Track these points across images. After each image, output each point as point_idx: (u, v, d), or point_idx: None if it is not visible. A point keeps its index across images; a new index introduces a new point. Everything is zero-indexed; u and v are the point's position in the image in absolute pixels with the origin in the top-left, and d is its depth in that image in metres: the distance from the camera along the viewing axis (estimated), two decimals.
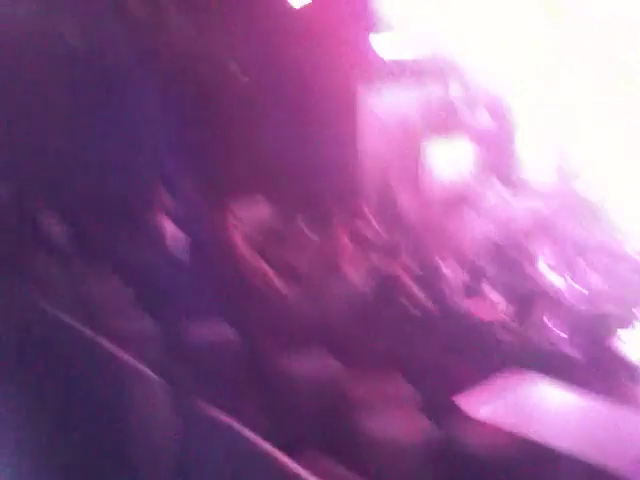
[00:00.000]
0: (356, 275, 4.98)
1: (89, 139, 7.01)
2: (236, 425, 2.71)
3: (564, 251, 6.44)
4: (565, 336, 3.67)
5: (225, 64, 8.68)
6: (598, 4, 7.39)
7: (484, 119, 8.77)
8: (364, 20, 8.50)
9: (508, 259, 6.25)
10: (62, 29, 7.35)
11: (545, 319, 4.38)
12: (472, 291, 5.75)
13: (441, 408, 3.25)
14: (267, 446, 2.51)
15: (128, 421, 3.22)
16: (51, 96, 7.04)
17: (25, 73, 6.82)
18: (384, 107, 8.73)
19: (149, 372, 3.16)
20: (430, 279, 5.17)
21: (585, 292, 5.19)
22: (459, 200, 7.20)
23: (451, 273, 5.72)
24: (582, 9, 7.52)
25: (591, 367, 3.50)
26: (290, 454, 3.04)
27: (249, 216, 7.61)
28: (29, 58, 6.90)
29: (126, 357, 3.30)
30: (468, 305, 5.19)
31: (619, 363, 3.71)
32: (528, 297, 4.49)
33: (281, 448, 3.31)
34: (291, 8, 8.23)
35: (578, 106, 8.28)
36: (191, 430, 2.88)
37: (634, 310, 4.74)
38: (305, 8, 8.25)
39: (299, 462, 2.86)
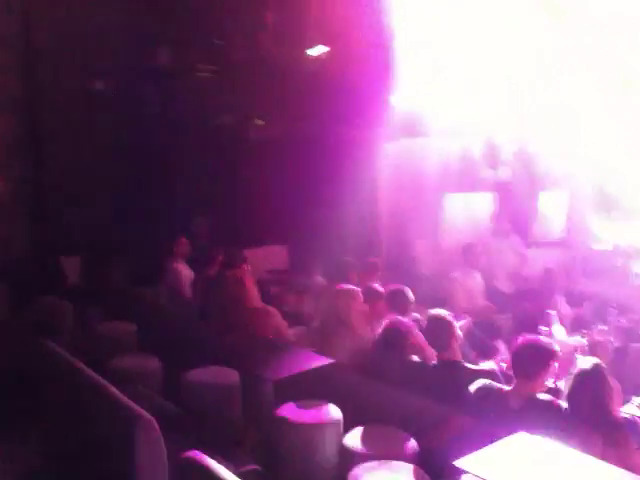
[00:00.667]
0: (367, 329, 4.95)
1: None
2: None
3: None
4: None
5: (248, 119, 8.92)
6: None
7: (504, 173, 8.79)
8: (385, 73, 8.71)
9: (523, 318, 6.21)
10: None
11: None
12: (485, 347, 5.70)
13: (443, 467, 3.19)
14: None
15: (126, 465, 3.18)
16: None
17: None
18: (403, 160, 8.82)
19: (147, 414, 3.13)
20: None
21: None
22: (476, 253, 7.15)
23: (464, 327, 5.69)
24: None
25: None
26: None
27: (267, 266, 7.72)
28: None
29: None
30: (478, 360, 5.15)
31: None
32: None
33: None
34: (312, 62, 8.47)
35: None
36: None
37: None
38: (328, 62, 8.49)
39: None
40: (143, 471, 3.02)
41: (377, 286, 5.59)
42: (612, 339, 5.71)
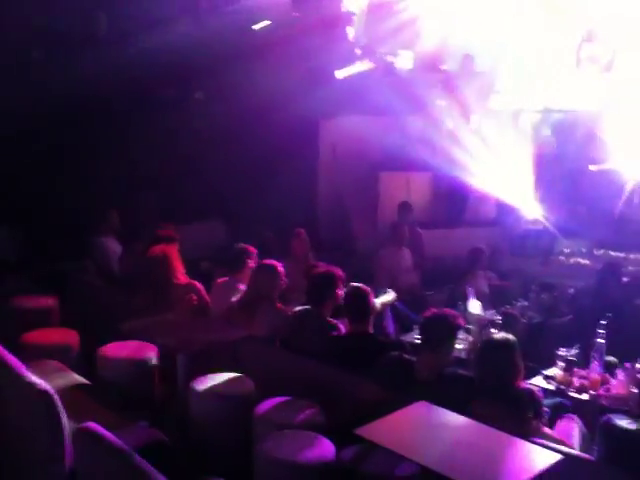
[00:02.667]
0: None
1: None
2: None
3: None
4: None
5: (188, 93, 8.80)
6: None
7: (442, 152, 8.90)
8: (328, 53, 8.70)
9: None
10: None
11: None
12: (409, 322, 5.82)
13: (346, 434, 3.27)
14: None
15: None
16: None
17: None
18: (342, 138, 8.86)
19: None
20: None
21: None
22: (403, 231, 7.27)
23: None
24: None
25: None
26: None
27: (204, 242, 7.68)
28: None
29: None
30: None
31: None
32: None
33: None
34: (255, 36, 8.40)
35: None
36: None
37: None
38: (270, 37, 8.43)
39: None
40: (44, 444, 3.02)
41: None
42: (532, 314, 5.90)
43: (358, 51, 8.52)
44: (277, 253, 6.01)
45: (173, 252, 5.35)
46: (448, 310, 3.99)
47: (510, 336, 3.86)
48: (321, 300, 4.47)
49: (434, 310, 3.94)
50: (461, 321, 3.94)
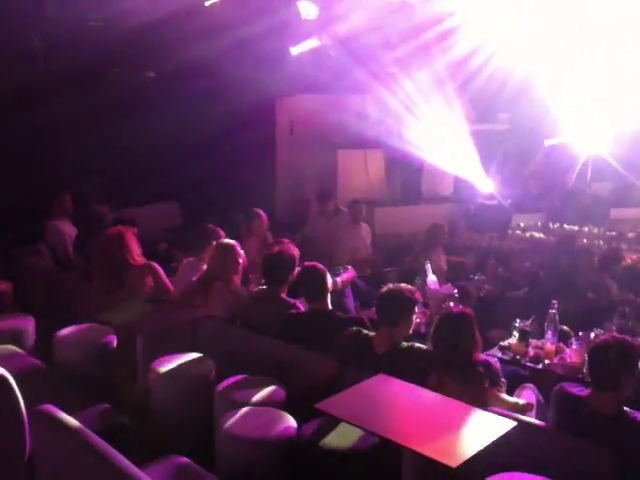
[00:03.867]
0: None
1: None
2: None
3: None
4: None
5: (140, 71, 8.64)
6: None
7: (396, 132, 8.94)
8: (284, 30, 8.62)
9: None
10: None
11: None
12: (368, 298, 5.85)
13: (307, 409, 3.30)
14: None
15: None
16: None
17: None
18: (299, 116, 8.83)
19: None
20: None
21: None
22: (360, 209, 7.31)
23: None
24: None
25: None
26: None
27: (159, 223, 7.60)
28: None
29: None
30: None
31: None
32: None
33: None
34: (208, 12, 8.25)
35: None
36: None
37: None
38: (225, 12, 8.29)
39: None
40: (1, 428, 2.98)
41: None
42: (488, 288, 6.00)
43: (311, 27, 8.44)
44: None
45: (129, 233, 5.27)
46: (404, 285, 4.01)
47: (467, 309, 3.93)
48: (277, 280, 4.47)
49: (390, 285, 3.98)
50: (417, 295, 3.98)
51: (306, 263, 4.46)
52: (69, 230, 6.27)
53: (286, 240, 5.15)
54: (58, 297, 5.36)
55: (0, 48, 7.18)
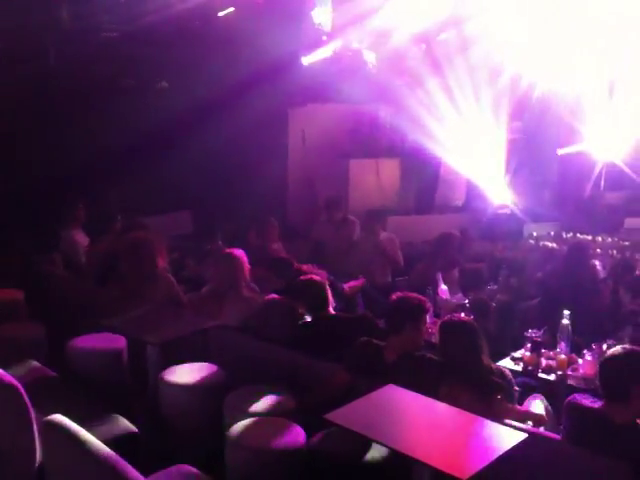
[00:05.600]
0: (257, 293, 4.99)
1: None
2: None
3: None
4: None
5: (153, 82, 8.70)
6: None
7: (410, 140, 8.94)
8: (297, 40, 8.65)
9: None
10: None
11: None
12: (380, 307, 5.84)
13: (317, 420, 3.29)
14: None
15: None
16: None
17: None
18: (312, 126, 8.85)
19: None
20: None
21: None
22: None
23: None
24: None
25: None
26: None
27: (171, 232, 7.62)
28: None
29: None
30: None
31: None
32: None
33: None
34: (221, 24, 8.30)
35: None
36: None
37: None
38: (237, 24, 8.33)
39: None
40: (11, 438, 3.00)
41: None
42: (501, 297, 5.96)
43: (324, 37, 8.47)
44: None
45: (155, 241, 5.26)
46: (412, 294, 4.00)
47: (468, 318, 3.92)
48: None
49: (398, 294, 3.97)
50: (426, 303, 3.95)
51: (302, 277, 4.46)
52: (82, 239, 6.31)
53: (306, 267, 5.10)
54: (71, 306, 5.38)
55: (15, 60, 7.25)
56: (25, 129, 6.98)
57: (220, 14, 8.48)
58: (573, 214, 8.86)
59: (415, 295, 3.97)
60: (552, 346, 4.65)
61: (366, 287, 6.00)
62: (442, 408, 3.24)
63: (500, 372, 3.71)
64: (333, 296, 5.18)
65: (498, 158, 8.62)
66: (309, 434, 3.47)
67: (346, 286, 4.99)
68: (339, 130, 8.81)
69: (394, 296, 3.94)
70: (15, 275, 5.62)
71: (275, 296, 4.56)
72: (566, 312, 4.62)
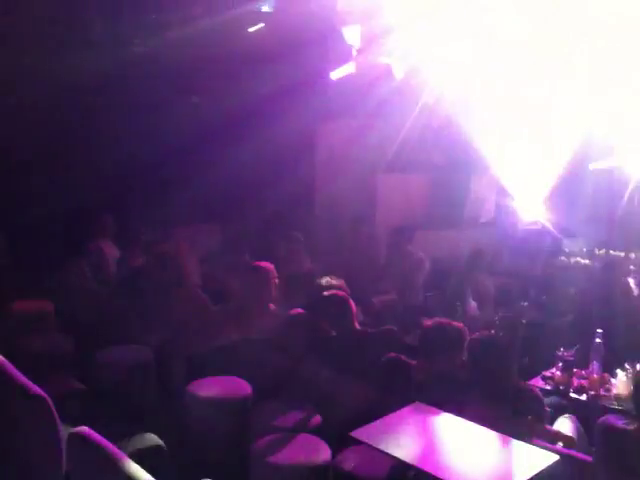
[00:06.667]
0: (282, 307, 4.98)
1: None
2: None
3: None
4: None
5: (184, 95, 8.78)
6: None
7: (438, 157, 8.89)
8: (326, 58, 8.69)
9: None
10: None
11: None
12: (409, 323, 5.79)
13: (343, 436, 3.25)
14: None
15: None
16: None
17: None
18: (340, 141, 8.85)
19: None
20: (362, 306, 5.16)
21: None
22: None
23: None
24: None
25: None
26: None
27: (199, 245, 7.66)
28: None
29: None
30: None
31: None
32: None
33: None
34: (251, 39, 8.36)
35: None
36: None
37: None
38: (266, 39, 8.39)
39: None
40: (35, 449, 3.00)
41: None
42: (532, 315, 5.87)
43: (354, 53, 8.48)
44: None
45: (190, 254, 5.28)
46: (448, 322, 3.88)
47: (497, 336, 3.84)
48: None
49: (436, 321, 3.87)
50: (465, 334, 3.82)
51: (325, 292, 4.42)
52: (111, 251, 6.37)
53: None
54: (99, 318, 5.42)
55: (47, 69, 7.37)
56: (56, 142, 7.07)
57: (250, 30, 8.56)
58: (606, 230, 8.71)
59: (450, 324, 3.84)
60: (584, 365, 4.55)
61: (396, 302, 5.95)
62: (471, 428, 3.18)
63: (530, 391, 3.64)
64: (360, 311, 5.16)
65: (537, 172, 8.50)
66: (335, 451, 3.43)
67: (376, 301, 4.95)
68: (367, 145, 8.77)
69: (430, 322, 3.85)
70: (44, 287, 5.66)
71: (300, 311, 4.53)
72: (599, 330, 4.53)
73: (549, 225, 8.31)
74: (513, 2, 7.20)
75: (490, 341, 3.70)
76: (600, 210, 9.15)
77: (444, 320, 3.91)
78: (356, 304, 5.02)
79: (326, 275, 5.02)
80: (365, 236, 7.54)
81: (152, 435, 3.55)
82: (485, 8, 7.31)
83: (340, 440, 3.41)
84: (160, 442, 3.54)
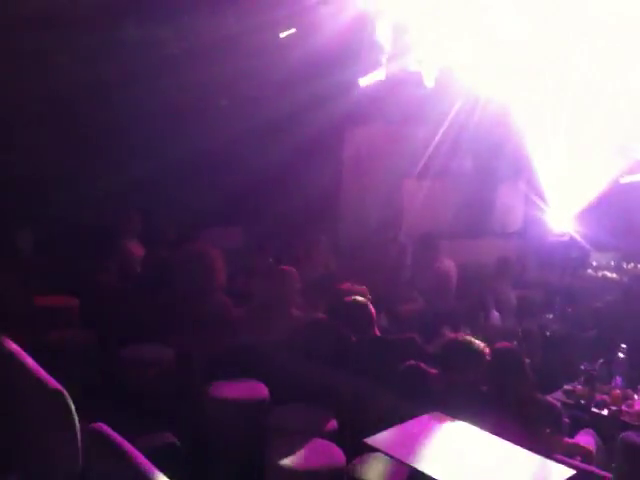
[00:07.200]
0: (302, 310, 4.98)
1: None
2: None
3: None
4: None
5: (212, 99, 8.84)
6: None
7: (466, 165, 8.83)
8: (356, 63, 8.69)
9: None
10: None
11: None
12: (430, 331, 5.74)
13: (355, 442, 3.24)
14: None
15: None
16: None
17: None
18: (368, 147, 8.84)
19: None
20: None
21: None
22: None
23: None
24: None
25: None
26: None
27: (221, 246, 7.69)
28: None
29: None
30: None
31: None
32: None
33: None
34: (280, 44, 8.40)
35: None
36: None
37: None
38: (295, 44, 8.42)
39: None
40: (52, 444, 3.04)
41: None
42: (556, 327, 5.80)
43: (384, 59, 8.47)
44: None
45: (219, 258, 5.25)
46: (470, 340, 3.76)
47: (516, 346, 3.80)
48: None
49: (457, 336, 3.82)
50: (483, 351, 3.70)
51: (346, 298, 4.41)
52: (137, 249, 6.42)
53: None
54: (124, 315, 5.47)
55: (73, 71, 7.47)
56: (83, 140, 7.17)
57: (281, 35, 8.60)
58: (636, 244, 8.56)
59: (475, 343, 3.73)
60: (607, 380, 4.48)
61: (423, 310, 5.91)
62: (487, 438, 3.14)
63: (549, 404, 3.60)
64: (385, 317, 5.14)
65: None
66: (350, 456, 3.42)
67: (403, 308, 4.94)
68: (394, 150, 8.74)
69: (451, 337, 3.81)
70: (71, 283, 5.74)
71: (320, 315, 4.53)
72: (623, 345, 4.45)
73: (578, 237, 8.20)
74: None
75: (510, 352, 3.67)
76: (631, 224, 9.00)
77: (465, 337, 3.85)
78: (381, 311, 5.02)
79: (348, 280, 5.02)
80: (391, 242, 7.51)
81: (169, 434, 3.58)
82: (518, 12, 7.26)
83: (356, 446, 3.40)
84: (176, 441, 3.56)
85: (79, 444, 3.04)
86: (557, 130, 8.53)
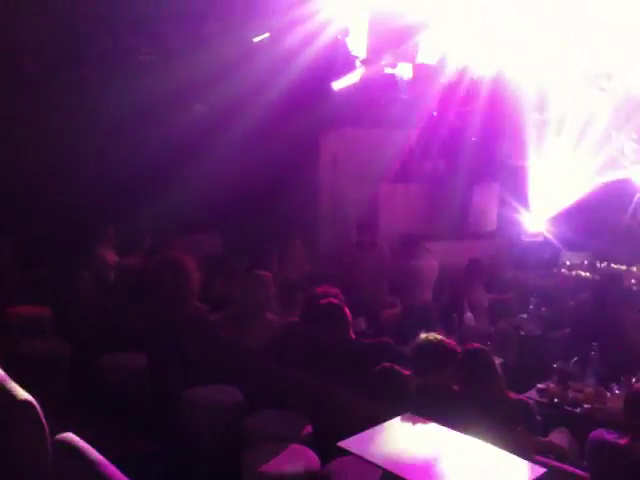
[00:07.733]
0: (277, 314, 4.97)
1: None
2: None
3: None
4: None
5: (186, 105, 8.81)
6: None
7: (440, 167, 8.89)
8: (330, 68, 8.71)
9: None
10: None
11: None
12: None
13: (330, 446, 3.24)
14: None
15: None
16: None
17: None
18: (344, 151, 8.86)
19: None
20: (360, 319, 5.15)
21: None
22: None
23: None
24: None
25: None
26: None
27: (199, 252, 7.66)
28: None
29: None
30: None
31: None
32: None
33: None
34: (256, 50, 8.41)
35: None
36: None
37: None
38: (271, 49, 8.43)
39: None
40: (22, 454, 2.99)
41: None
42: (531, 327, 5.84)
43: (358, 63, 8.52)
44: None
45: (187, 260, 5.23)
46: (440, 339, 3.77)
47: (487, 347, 3.83)
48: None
49: (427, 336, 3.83)
50: (454, 354, 3.74)
51: (320, 300, 4.40)
52: (112, 258, 6.38)
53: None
54: (97, 324, 5.43)
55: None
56: (58, 149, 7.12)
57: (255, 40, 8.60)
58: (609, 243, 8.66)
59: (445, 343, 3.77)
60: (581, 378, 4.53)
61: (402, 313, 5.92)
62: (460, 438, 3.16)
63: (522, 403, 3.63)
64: (363, 321, 5.14)
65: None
66: (324, 461, 3.42)
67: (383, 313, 4.95)
68: (370, 154, 8.77)
69: (419, 341, 3.82)
70: (44, 292, 5.69)
71: (295, 319, 4.53)
72: (596, 344, 4.50)
73: (551, 237, 8.28)
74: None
75: (479, 352, 3.69)
76: (605, 223, 9.11)
77: (436, 336, 3.86)
78: (360, 314, 5.02)
79: (324, 283, 5.02)
80: (369, 245, 7.50)
81: (146, 440, 3.56)
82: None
83: (330, 450, 3.40)
84: (153, 448, 3.54)
85: (49, 456, 3.01)
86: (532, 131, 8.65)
